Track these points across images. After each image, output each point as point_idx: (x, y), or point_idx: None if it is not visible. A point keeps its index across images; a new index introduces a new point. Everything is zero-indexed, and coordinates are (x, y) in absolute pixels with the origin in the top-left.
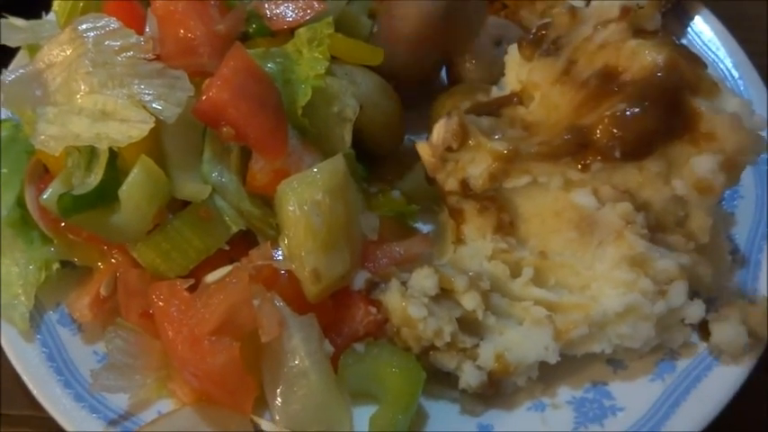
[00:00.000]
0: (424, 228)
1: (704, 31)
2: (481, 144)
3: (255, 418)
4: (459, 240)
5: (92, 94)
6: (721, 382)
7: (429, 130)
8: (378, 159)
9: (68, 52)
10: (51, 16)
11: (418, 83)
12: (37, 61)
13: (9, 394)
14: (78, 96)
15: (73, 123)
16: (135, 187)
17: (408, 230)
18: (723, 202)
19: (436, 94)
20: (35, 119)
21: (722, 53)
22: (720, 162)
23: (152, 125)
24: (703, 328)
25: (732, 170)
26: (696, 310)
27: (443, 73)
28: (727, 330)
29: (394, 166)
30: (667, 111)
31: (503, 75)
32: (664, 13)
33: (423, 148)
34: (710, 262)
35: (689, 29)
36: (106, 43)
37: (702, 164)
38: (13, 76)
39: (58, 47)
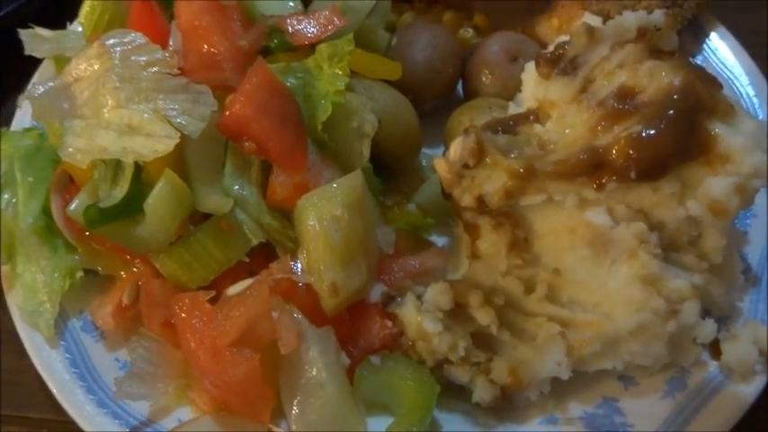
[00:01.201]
0: (439, 240)
1: (720, 48)
2: (498, 162)
3: (273, 428)
4: (475, 255)
5: (118, 108)
6: (732, 401)
7: (445, 144)
8: (393, 172)
9: (96, 67)
10: (76, 26)
11: (435, 97)
12: (65, 75)
13: (32, 398)
14: (105, 110)
15: (100, 137)
16: (160, 201)
17: (423, 244)
18: (736, 221)
19: (452, 108)
20: (63, 131)
21: (738, 71)
22: (735, 185)
23: (177, 140)
24: (715, 347)
25: (746, 193)
26: (708, 330)
27: (459, 87)
28: (738, 350)
29: (409, 178)
30: (683, 133)
31: (518, 90)
32: (680, 29)
33: (440, 165)
34: (723, 281)
35: (705, 45)
36: (132, 58)
37: (717, 186)
38: (42, 89)
39: (85, 61)
